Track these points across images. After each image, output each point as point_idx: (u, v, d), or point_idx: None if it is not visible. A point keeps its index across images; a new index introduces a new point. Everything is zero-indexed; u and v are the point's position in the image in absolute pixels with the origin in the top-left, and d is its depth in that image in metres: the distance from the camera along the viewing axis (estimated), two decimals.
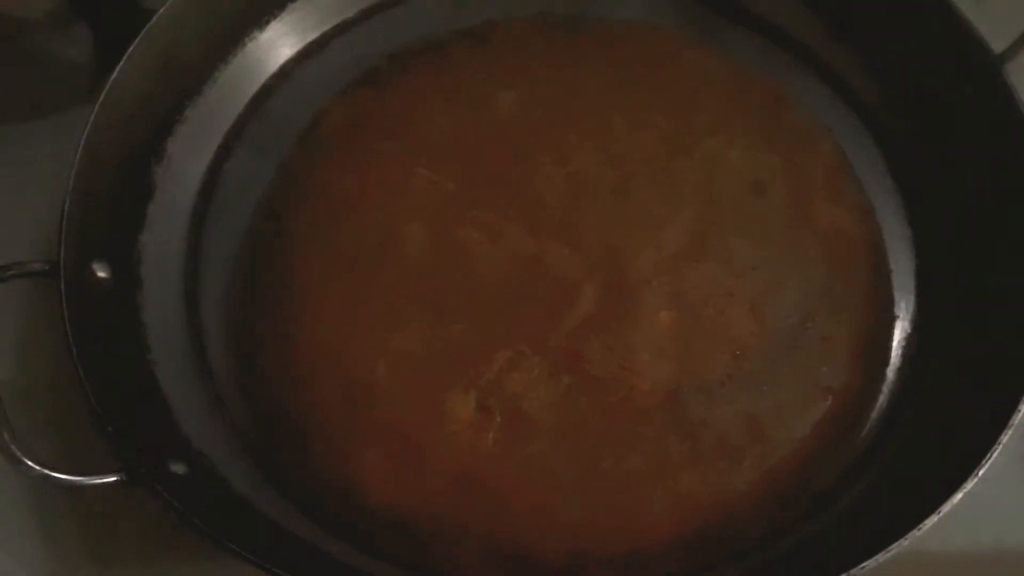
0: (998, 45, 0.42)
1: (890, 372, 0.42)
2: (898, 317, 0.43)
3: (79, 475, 0.34)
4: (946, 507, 0.33)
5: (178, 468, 0.36)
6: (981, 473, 0.34)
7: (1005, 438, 0.35)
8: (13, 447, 0.33)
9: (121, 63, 0.42)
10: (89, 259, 0.40)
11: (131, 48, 0.42)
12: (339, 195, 0.44)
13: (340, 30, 0.48)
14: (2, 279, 0.37)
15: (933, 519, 0.33)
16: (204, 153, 0.45)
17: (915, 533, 0.33)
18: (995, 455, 0.34)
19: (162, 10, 0.42)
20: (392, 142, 0.45)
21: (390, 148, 0.44)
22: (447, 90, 0.46)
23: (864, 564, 0.32)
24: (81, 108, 0.46)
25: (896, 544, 0.33)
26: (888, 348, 0.42)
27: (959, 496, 0.34)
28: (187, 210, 0.44)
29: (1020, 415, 0.35)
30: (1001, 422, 0.35)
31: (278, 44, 0.48)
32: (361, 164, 0.44)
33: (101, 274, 0.40)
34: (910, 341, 0.42)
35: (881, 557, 0.32)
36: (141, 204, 0.43)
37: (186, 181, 0.45)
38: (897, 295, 0.43)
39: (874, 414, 0.41)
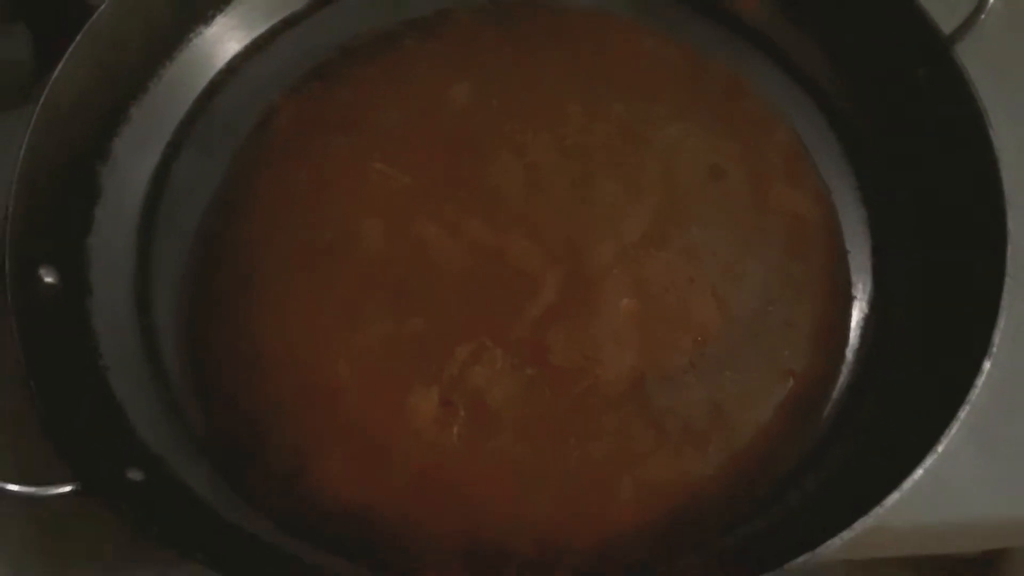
0: (947, 27, 0.43)
1: (849, 353, 0.42)
2: (856, 298, 0.43)
3: (32, 486, 0.33)
4: (907, 484, 0.34)
5: (135, 475, 0.35)
6: (940, 449, 0.35)
7: (963, 414, 0.35)
8: None
9: (62, 62, 0.41)
10: (36, 265, 0.39)
11: (72, 46, 0.41)
12: (293, 192, 0.43)
13: (288, 23, 0.48)
14: None
15: (895, 496, 0.34)
16: (151, 153, 0.45)
17: (877, 511, 0.33)
18: (953, 431, 0.35)
19: (103, 6, 0.41)
20: (345, 137, 0.44)
21: (344, 143, 0.44)
22: (400, 82, 0.46)
23: (828, 542, 0.33)
24: (20, 110, 0.45)
25: (859, 522, 0.33)
26: (847, 329, 0.42)
27: (919, 472, 0.34)
28: (135, 212, 0.43)
29: (976, 391, 0.36)
30: (958, 399, 0.35)
31: (225, 39, 0.47)
32: (314, 160, 0.44)
33: (48, 279, 0.39)
34: (868, 322, 0.43)
35: (845, 535, 0.33)
36: (87, 207, 0.42)
37: (133, 182, 0.44)
38: (855, 276, 0.44)
39: (835, 395, 0.41)
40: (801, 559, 0.33)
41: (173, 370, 0.40)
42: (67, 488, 0.33)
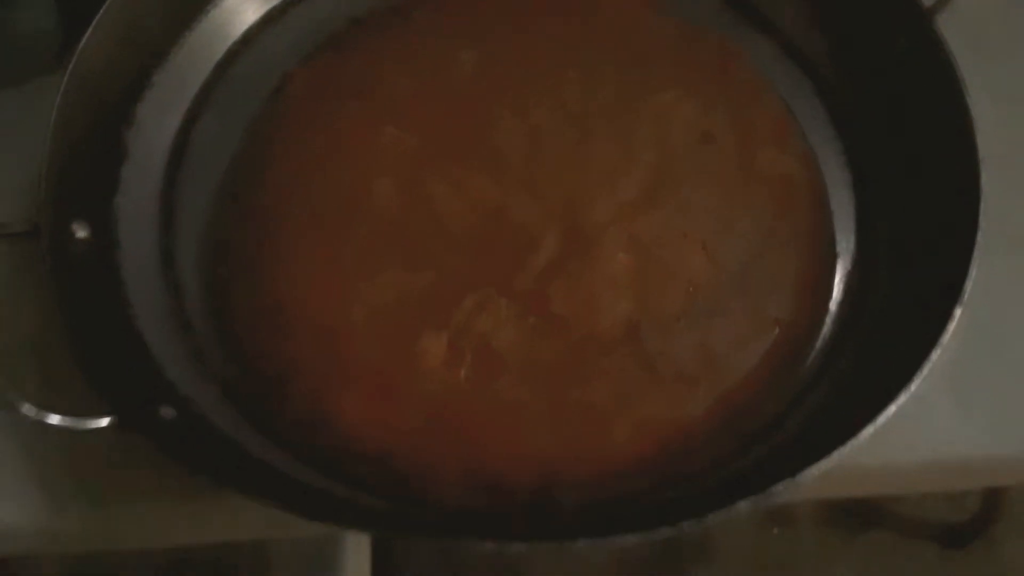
0: None
1: (832, 305, 0.44)
2: (839, 255, 0.45)
3: (73, 418, 0.35)
4: (881, 419, 0.36)
5: (167, 412, 0.38)
6: (913, 388, 0.37)
7: (935, 356, 0.37)
8: (9, 393, 0.35)
9: (89, 31, 0.43)
10: (68, 220, 0.41)
11: (98, 16, 0.43)
12: (308, 154, 0.45)
13: None
14: None
15: (869, 429, 0.36)
16: (173, 117, 0.47)
17: (854, 442, 0.35)
18: (926, 371, 0.37)
19: None
20: (358, 102, 0.46)
21: (356, 108, 0.46)
22: (409, 52, 0.48)
23: (807, 471, 0.35)
24: (48, 77, 0.47)
25: (836, 452, 0.35)
26: (831, 283, 0.44)
27: (893, 408, 0.36)
28: (159, 173, 0.46)
29: (948, 336, 0.38)
30: (931, 341, 0.37)
31: (240, 10, 0.49)
32: (328, 124, 0.46)
33: (81, 234, 0.41)
34: (851, 277, 0.45)
35: (824, 465, 0.35)
36: (114, 168, 0.44)
37: (157, 145, 0.46)
38: (838, 235, 0.46)
39: (818, 343, 0.43)
40: (782, 485, 0.35)
41: (197, 319, 0.42)
42: (105, 421, 0.35)
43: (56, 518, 0.39)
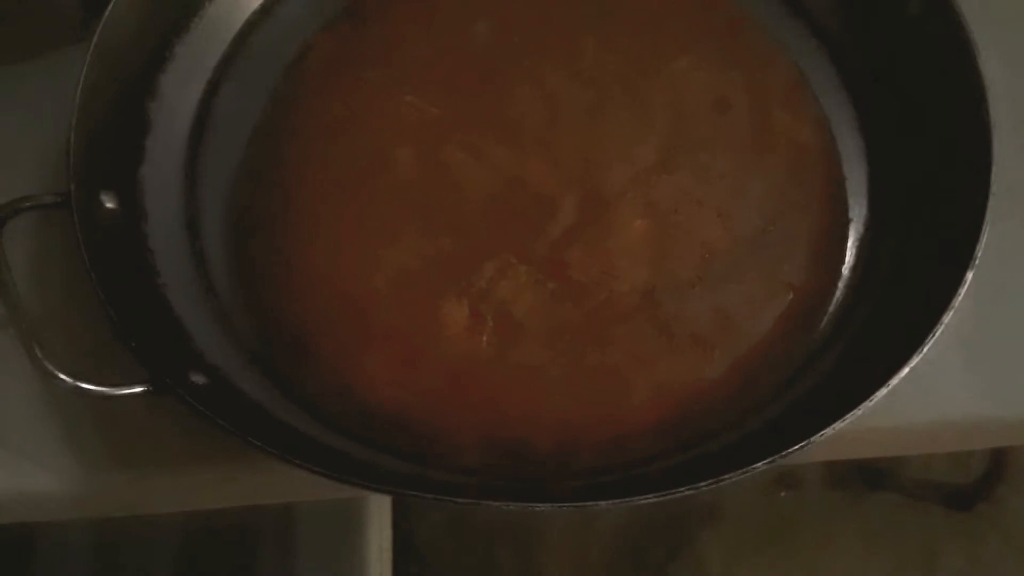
0: None
1: (845, 270, 0.45)
2: (852, 220, 0.46)
3: (108, 386, 0.37)
4: (894, 381, 0.37)
5: (198, 378, 0.39)
6: (925, 351, 0.37)
7: (947, 319, 0.38)
8: (47, 363, 0.36)
9: (111, 3, 0.43)
10: (96, 191, 0.42)
11: None
12: (329, 123, 0.45)
13: None
14: (18, 211, 0.40)
15: (883, 391, 0.36)
16: (195, 88, 0.47)
17: (867, 404, 0.36)
18: (938, 334, 0.38)
19: None
20: (377, 71, 0.46)
21: (376, 77, 0.46)
22: (427, 21, 0.48)
23: (820, 433, 0.36)
24: (72, 48, 0.48)
25: (850, 415, 0.36)
26: (843, 248, 0.45)
27: (906, 371, 0.37)
28: (183, 143, 0.46)
29: (960, 298, 0.38)
30: (943, 304, 0.38)
31: None
32: (349, 93, 0.46)
33: (109, 205, 0.42)
34: (863, 241, 0.45)
35: (838, 426, 0.36)
36: (139, 139, 0.45)
37: (180, 116, 0.46)
38: (851, 200, 0.46)
39: (831, 307, 0.44)
40: (796, 448, 0.36)
41: (222, 288, 0.43)
42: (140, 388, 0.36)
43: (92, 483, 0.40)
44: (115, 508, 0.43)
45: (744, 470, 0.35)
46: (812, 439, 0.36)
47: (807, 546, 0.90)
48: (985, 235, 0.40)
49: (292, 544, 0.58)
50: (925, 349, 0.38)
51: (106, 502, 0.42)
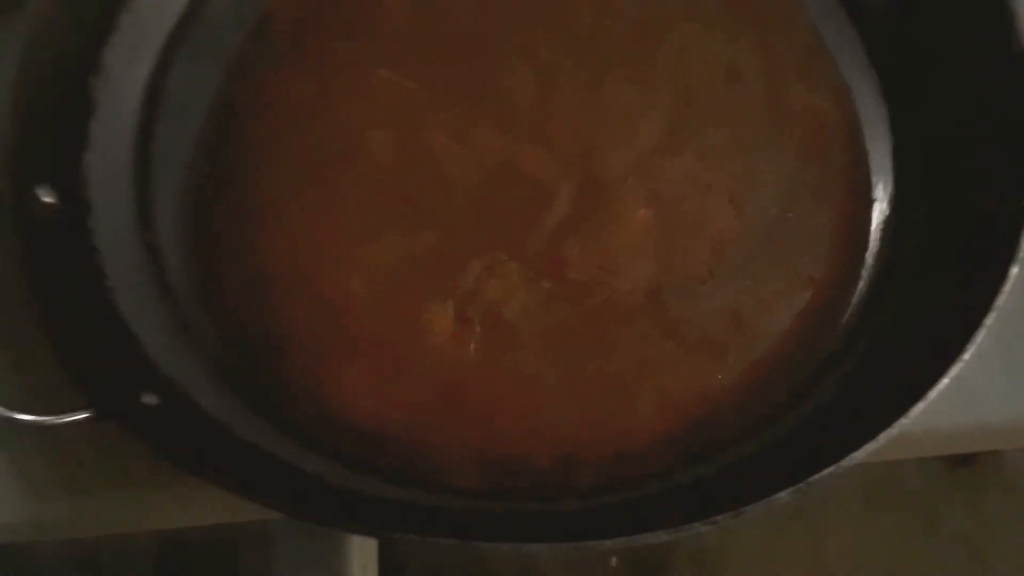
0: None
1: (869, 257, 0.42)
2: (876, 200, 0.42)
3: (47, 415, 0.33)
4: (933, 393, 0.34)
5: (149, 399, 0.35)
6: (967, 357, 0.34)
7: (990, 321, 0.35)
8: None
9: None
10: (32, 185, 0.38)
11: None
12: (295, 102, 0.41)
13: None
14: None
15: (920, 406, 0.33)
16: (143, 63, 0.43)
17: (902, 421, 0.33)
18: (980, 338, 0.34)
19: None
20: (348, 42, 0.42)
21: (346, 49, 0.42)
22: None
23: (852, 455, 0.33)
24: (3, 19, 0.43)
25: (884, 434, 0.33)
26: (867, 233, 0.42)
27: (945, 381, 0.34)
28: (132, 125, 0.42)
29: (1003, 297, 0.35)
30: (985, 305, 0.35)
31: None
32: (317, 68, 0.42)
33: (47, 199, 0.38)
34: (889, 225, 0.42)
35: (870, 447, 0.33)
36: (82, 122, 0.41)
37: (127, 94, 0.42)
38: (875, 177, 0.43)
39: (854, 301, 0.41)
40: (824, 474, 0.32)
41: (180, 289, 0.40)
42: (82, 415, 0.33)
43: (40, 509, 0.38)
44: (70, 532, 0.40)
45: (766, 499, 0.31)
46: (842, 463, 0.32)
47: (808, 505, 0.88)
48: None
49: (271, 559, 0.56)
50: (967, 356, 0.34)
51: (59, 526, 0.39)
